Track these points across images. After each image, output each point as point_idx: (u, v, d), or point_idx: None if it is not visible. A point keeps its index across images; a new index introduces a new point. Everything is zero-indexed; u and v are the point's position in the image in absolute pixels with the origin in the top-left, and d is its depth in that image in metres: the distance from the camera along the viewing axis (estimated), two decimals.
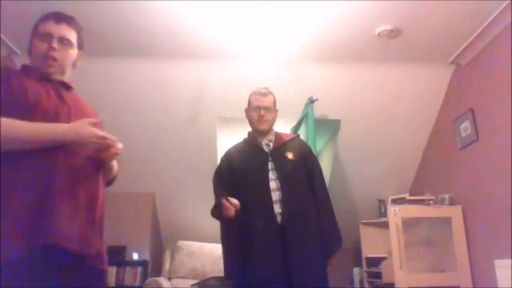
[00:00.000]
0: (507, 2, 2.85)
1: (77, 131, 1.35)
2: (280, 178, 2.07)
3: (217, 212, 2.08)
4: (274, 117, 2.24)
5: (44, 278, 1.23)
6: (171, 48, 3.43)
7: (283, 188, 2.05)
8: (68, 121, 1.41)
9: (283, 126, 4.29)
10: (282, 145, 2.20)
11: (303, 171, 2.15)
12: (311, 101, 3.71)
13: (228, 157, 2.27)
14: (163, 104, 3.93)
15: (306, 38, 3.31)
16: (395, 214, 3.54)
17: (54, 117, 1.39)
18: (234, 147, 2.32)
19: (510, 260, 2.83)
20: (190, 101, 3.93)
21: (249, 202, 2.04)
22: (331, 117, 4.11)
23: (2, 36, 3.23)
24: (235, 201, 1.94)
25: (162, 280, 4.15)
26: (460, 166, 3.62)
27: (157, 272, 4.66)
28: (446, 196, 3.61)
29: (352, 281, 4.52)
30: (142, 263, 4.42)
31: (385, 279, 3.81)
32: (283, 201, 2.02)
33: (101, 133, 1.38)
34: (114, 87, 3.68)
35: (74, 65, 1.58)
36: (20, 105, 1.34)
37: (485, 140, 3.28)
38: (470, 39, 3.31)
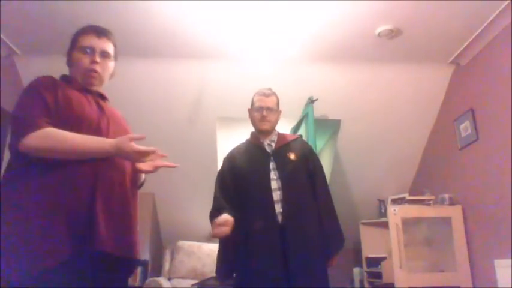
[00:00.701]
0: (507, 2, 2.85)
1: (118, 147, 1.41)
2: (282, 178, 2.07)
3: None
4: (276, 118, 2.25)
5: (89, 280, 1.31)
6: (170, 48, 3.43)
7: (284, 187, 2.05)
8: (107, 131, 1.48)
9: (283, 126, 4.29)
10: (284, 145, 2.21)
11: (304, 171, 2.16)
12: (311, 101, 3.72)
13: (230, 158, 2.28)
14: (163, 104, 3.93)
15: (306, 38, 3.31)
16: (395, 214, 3.54)
17: (96, 127, 1.45)
18: (236, 147, 2.33)
19: (510, 260, 2.83)
20: (190, 101, 3.93)
21: (251, 202, 2.06)
22: (331, 117, 4.11)
23: (2, 36, 3.23)
24: (227, 218, 1.95)
25: (162, 280, 4.15)
26: (460, 166, 3.62)
27: (157, 272, 4.66)
28: (446, 196, 3.61)
29: (352, 281, 4.52)
30: (142, 263, 4.42)
31: (385, 279, 3.81)
32: (284, 201, 2.02)
33: (140, 148, 1.43)
34: (114, 87, 3.66)
35: (111, 76, 1.67)
36: (65, 114, 1.41)
37: (485, 140, 3.27)
38: (470, 39, 3.31)
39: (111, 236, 1.35)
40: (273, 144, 2.21)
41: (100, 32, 1.60)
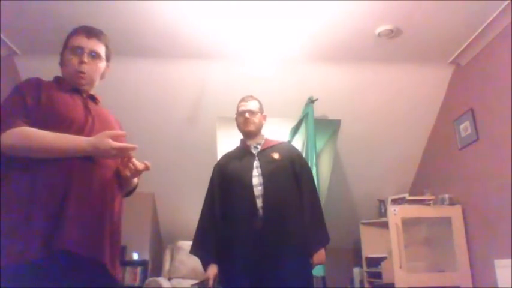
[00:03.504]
0: (507, 2, 2.85)
1: (94, 144, 1.39)
2: (263, 175, 2.16)
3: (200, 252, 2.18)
4: (260, 121, 2.34)
5: (58, 280, 1.29)
6: (171, 48, 3.43)
7: (265, 183, 2.12)
8: (92, 131, 1.47)
9: (283, 126, 4.30)
10: (269, 147, 2.31)
11: (288, 171, 2.22)
12: (311, 101, 3.72)
13: (219, 162, 2.40)
14: (163, 104, 3.93)
15: (306, 38, 3.31)
16: (395, 214, 3.54)
17: (79, 127, 1.45)
18: (226, 153, 2.45)
19: (510, 260, 2.83)
20: (190, 101, 3.93)
21: (234, 198, 2.15)
22: (331, 117, 4.11)
23: (2, 36, 3.23)
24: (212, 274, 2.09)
25: (162, 280, 4.15)
26: (460, 166, 3.62)
27: (157, 272, 4.66)
28: (446, 196, 3.60)
29: (352, 281, 4.52)
30: (142, 263, 4.43)
31: (385, 279, 3.81)
32: (265, 196, 2.09)
33: (118, 144, 1.41)
34: (114, 87, 3.68)
35: (101, 77, 1.67)
36: (47, 114, 1.41)
37: (485, 140, 3.27)
38: (470, 39, 3.31)
39: (80, 237, 1.33)
40: (259, 147, 2.31)
41: (90, 32, 1.59)
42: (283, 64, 3.65)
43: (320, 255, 2.09)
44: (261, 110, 2.37)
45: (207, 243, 2.17)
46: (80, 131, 1.44)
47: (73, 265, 1.33)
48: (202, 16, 3.02)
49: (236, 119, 2.37)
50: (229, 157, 2.37)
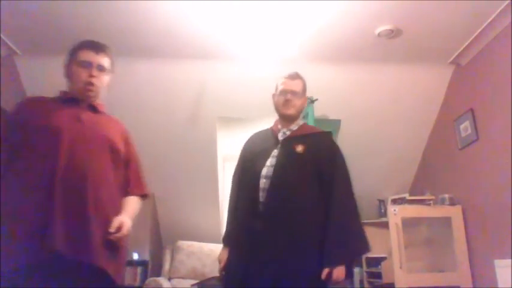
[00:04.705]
0: (507, 2, 2.85)
1: None
2: (275, 166, 1.90)
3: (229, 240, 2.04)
4: (302, 104, 2.05)
5: (49, 281, 1.37)
6: (171, 48, 3.43)
7: (273, 176, 1.88)
8: (81, 138, 1.55)
9: None
10: (299, 136, 2.01)
11: (308, 167, 1.92)
12: (311, 101, 3.71)
13: (246, 142, 2.17)
14: (164, 104, 3.93)
15: (306, 38, 3.31)
16: (395, 214, 3.54)
17: (67, 135, 1.52)
18: (257, 132, 2.20)
19: (510, 260, 2.83)
20: (190, 101, 3.93)
21: (242, 186, 2.00)
22: (331, 117, 4.11)
23: (2, 36, 3.23)
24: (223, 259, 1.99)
25: (162, 280, 4.14)
26: (460, 166, 3.62)
27: (157, 272, 4.65)
28: (446, 196, 3.61)
29: (352, 281, 4.51)
30: (142, 263, 4.42)
31: (385, 279, 3.81)
32: (268, 191, 1.86)
33: None
34: (114, 87, 3.65)
35: (106, 88, 1.76)
36: (28, 128, 1.53)
37: (485, 140, 3.27)
38: (470, 39, 3.31)
39: (66, 239, 1.38)
40: (288, 133, 2.02)
41: (98, 47, 1.69)
42: (283, 64, 3.64)
43: (338, 273, 1.92)
44: (305, 91, 2.07)
45: (227, 226, 2.03)
46: (68, 139, 1.51)
47: (67, 266, 1.39)
48: (203, 16, 3.02)
49: (274, 96, 2.06)
50: (255, 138, 2.13)
